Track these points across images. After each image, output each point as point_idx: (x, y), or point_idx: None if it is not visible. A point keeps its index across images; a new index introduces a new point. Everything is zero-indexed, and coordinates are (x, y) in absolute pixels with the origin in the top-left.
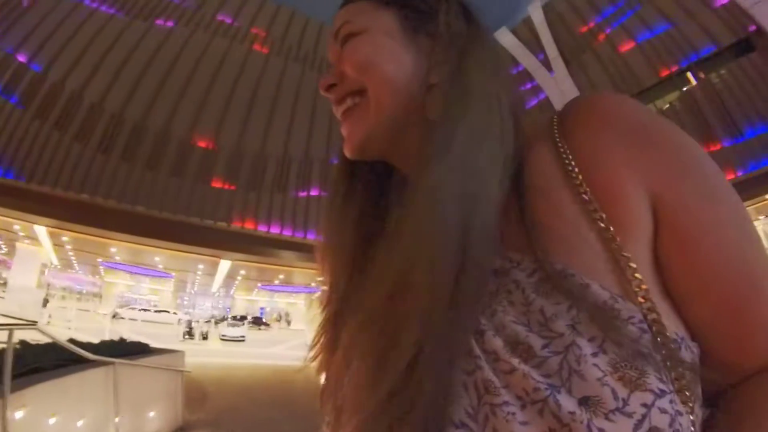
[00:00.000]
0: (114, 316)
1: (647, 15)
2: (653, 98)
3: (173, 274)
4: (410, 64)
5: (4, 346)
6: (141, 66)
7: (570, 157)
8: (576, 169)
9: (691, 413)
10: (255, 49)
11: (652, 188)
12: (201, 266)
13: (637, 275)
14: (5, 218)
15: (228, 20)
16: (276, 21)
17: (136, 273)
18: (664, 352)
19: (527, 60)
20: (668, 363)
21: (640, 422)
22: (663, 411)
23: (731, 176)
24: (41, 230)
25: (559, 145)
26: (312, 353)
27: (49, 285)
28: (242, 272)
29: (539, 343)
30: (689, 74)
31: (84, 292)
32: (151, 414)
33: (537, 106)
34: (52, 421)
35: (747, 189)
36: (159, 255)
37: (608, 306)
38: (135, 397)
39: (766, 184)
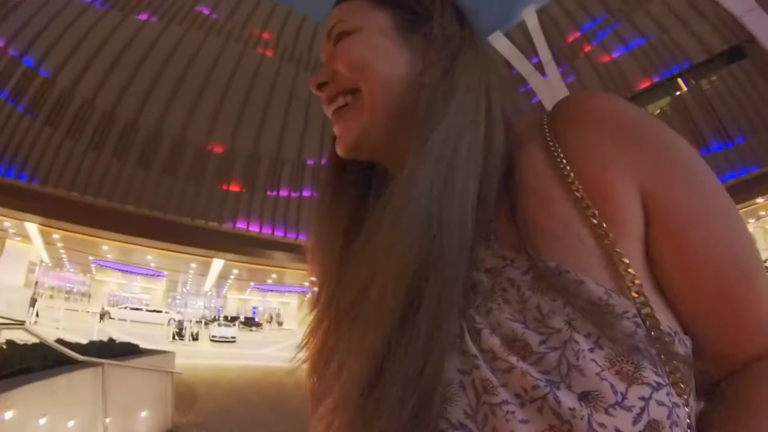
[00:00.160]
0: (103, 316)
1: (640, 21)
2: (644, 103)
3: (165, 273)
4: (404, 64)
5: None
6: (134, 63)
7: (561, 155)
8: (567, 167)
9: (686, 405)
10: (249, 48)
11: (643, 184)
12: (193, 266)
13: (630, 270)
14: None
15: (219, 17)
16: (271, 20)
17: (127, 272)
18: (658, 345)
19: (521, 64)
20: (662, 356)
21: (639, 415)
22: (660, 403)
23: (721, 180)
24: (32, 228)
25: (550, 143)
26: (301, 354)
27: (37, 283)
28: (235, 272)
29: (536, 339)
30: (680, 80)
31: (73, 291)
32: (141, 416)
33: (530, 110)
34: (40, 422)
35: (736, 193)
36: (151, 254)
37: (603, 301)
38: (124, 399)
39: (755, 189)
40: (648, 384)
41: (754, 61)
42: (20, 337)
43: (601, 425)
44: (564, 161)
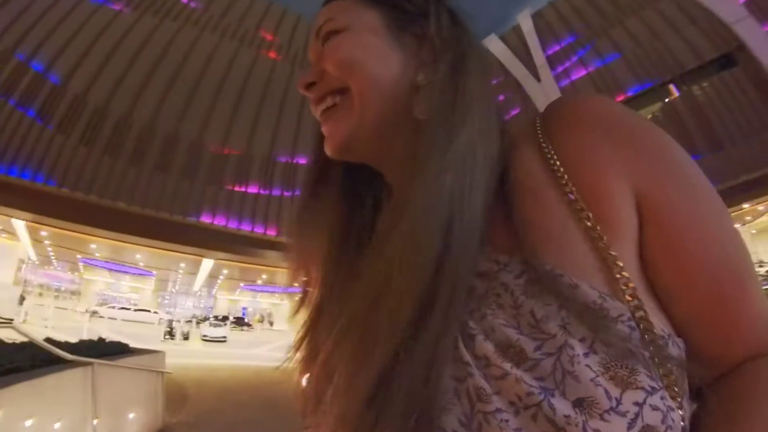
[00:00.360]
0: (93, 315)
1: (633, 27)
2: (636, 108)
3: (154, 272)
4: (396, 64)
5: None
6: (127, 58)
7: (555, 157)
8: (561, 169)
9: (680, 408)
10: (244, 46)
11: (637, 187)
12: (183, 265)
13: (624, 273)
14: None
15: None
16: (265, 18)
17: (116, 270)
18: (652, 349)
19: (515, 67)
20: (656, 360)
21: (633, 421)
22: (655, 408)
23: None
24: (20, 224)
25: (543, 145)
26: (292, 354)
27: (25, 281)
28: (225, 272)
29: (531, 345)
30: (672, 86)
31: (62, 289)
32: (131, 416)
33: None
34: (28, 423)
35: (726, 198)
36: (140, 252)
37: (597, 305)
38: (114, 399)
39: (744, 193)
40: (642, 388)
41: (745, 69)
42: (8, 335)
43: (596, 431)
44: (558, 163)
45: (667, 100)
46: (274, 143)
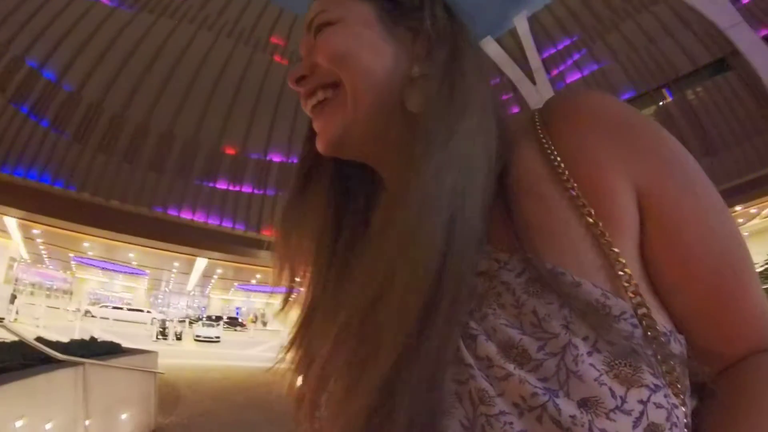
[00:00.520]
0: (85, 314)
1: (628, 31)
2: None
3: (147, 271)
4: (390, 57)
5: None
6: (122, 56)
7: (555, 153)
8: (562, 165)
9: (683, 405)
10: (240, 45)
11: (638, 183)
12: (176, 264)
13: (626, 270)
14: None
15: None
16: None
17: (109, 269)
18: (654, 346)
19: (511, 70)
20: (659, 357)
21: (638, 419)
22: (659, 406)
23: None
24: (11, 222)
25: (544, 141)
26: (283, 356)
27: (17, 280)
28: (219, 271)
29: (534, 345)
30: (665, 90)
31: (54, 288)
32: (123, 417)
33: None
34: (19, 423)
35: None
36: (133, 251)
37: (600, 303)
38: (106, 399)
39: (737, 196)
40: (646, 386)
41: (738, 74)
42: None
43: (603, 431)
44: (558, 159)
45: (661, 103)
46: (269, 143)
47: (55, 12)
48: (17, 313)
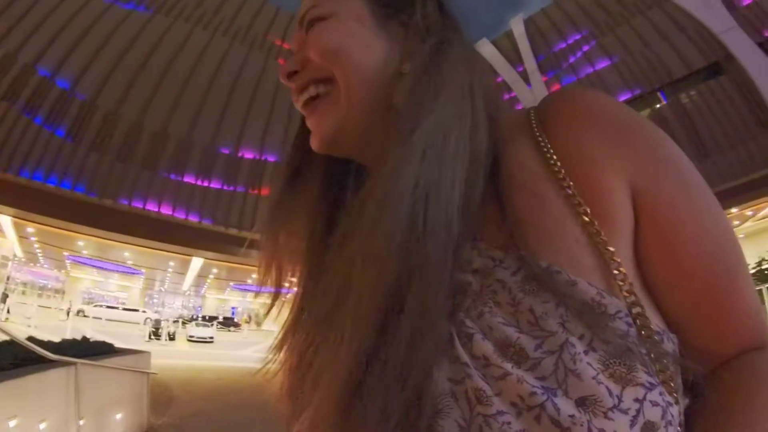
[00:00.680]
0: (77, 314)
1: (624, 35)
2: None
3: (143, 270)
4: (382, 52)
5: None
6: (116, 53)
7: (551, 150)
8: (558, 163)
9: (677, 403)
10: (235, 44)
11: (633, 181)
12: (172, 264)
13: (621, 269)
14: None
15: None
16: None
17: (103, 269)
18: (648, 345)
19: (506, 72)
20: (653, 356)
21: (635, 418)
22: (654, 404)
23: None
24: (6, 220)
25: (539, 139)
26: (272, 357)
27: (8, 279)
28: (214, 271)
29: (532, 344)
30: (660, 94)
31: (48, 287)
32: (115, 417)
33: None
34: (12, 423)
35: None
36: (128, 250)
37: (596, 302)
38: (98, 400)
39: (732, 198)
40: (641, 385)
41: (732, 78)
42: None
43: (601, 431)
44: (554, 157)
45: (657, 106)
46: (263, 144)
47: (49, 9)
48: (8, 312)
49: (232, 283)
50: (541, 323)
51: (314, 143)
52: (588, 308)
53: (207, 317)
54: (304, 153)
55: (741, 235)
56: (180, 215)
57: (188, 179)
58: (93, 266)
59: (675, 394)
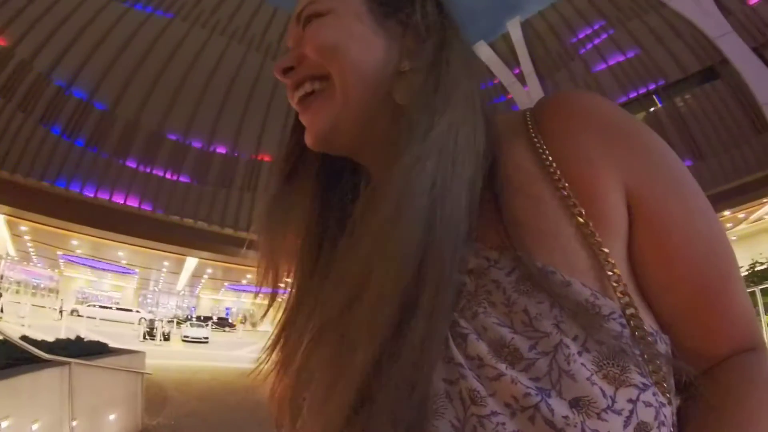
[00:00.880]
0: (71, 313)
1: (620, 39)
2: None
3: (137, 270)
4: (380, 50)
5: None
6: (113, 51)
7: (547, 152)
8: (554, 164)
9: (670, 404)
10: (234, 41)
11: (628, 183)
12: (166, 263)
13: (615, 270)
14: None
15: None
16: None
17: (97, 268)
18: (642, 346)
19: (503, 74)
20: (645, 356)
21: (628, 418)
22: (648, 404)
23: None
24: None
25: (535, 140)
26: (265, 358)
27: (2, 277)
28: (209, 271)
29: (526, 344)
30: (655, 97)
31: (41, 286)
32: (109, 418)
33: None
34: (4, 424)
35: None
36: (122, 250)
37: (590, 303)
38: (92, 400)
39: (725, 201)
40: (635, 386)
41: (727, 82)
42: None
43: (595, 431)
44: (550, 158)
45: (652, 109)
46: (259, 143)
47: (47, 5)
48: (2, 311)
49: (226, 284)
50: (535, 324)
51: (309, 140)
52: (582, 309)
53: (201, 317)
54: (299, 150)
55: (734, 238)
56: (175, 215)
57: (184, 179)
58: (87, 265)
59: (668, 395)
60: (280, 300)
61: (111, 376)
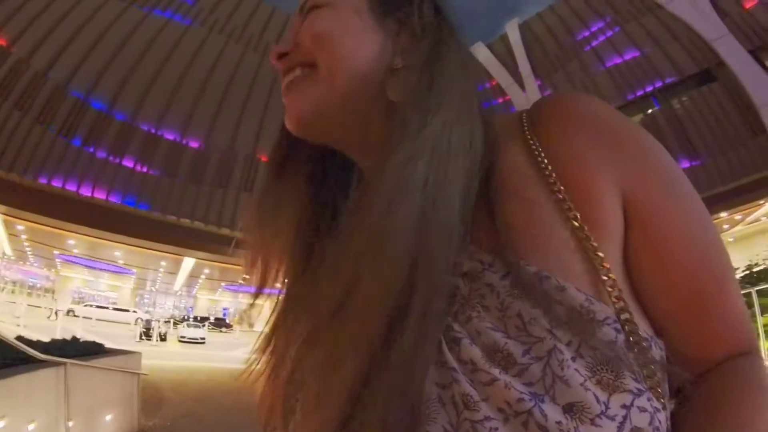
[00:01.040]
0: (67, 313)
1: (618, 41)
2: None
3: (134, 270)
4: (375, 46)
5: None
6: (111, 50)
7: (542, 155)
8: (549, 167)
9: (664, 409)
10: (232, 41)
11: (624, 188)
12: (163, 263)
13: (611, 275)
14: None
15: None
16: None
17: (94, 268)
18: (636, 351)
19: (501, 75)
20: (640, 362)
21: (622, 424)
22: (642, 410)
23: None
24: None
25: (531, 142)
26: (256, 358)
27: None
28: (206, 271)
29: (519, 349)
30: (652, 99)
31: (38, 286)
32: (105, 418)
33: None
34: (0, 424)
35: None
36: (119, 250)
37: (584, 308)
38: (88, 401)
39: (722, 203)
40: (629, 391)
41: (723, 85)
42: None
43: None
44: (545, 161)
45: (649, 111)
46: (257, 143)
47: (45, 3)
48: None
49: (223, 284)
50: (529, 329)
51: (289, 123)
52: (576, 314)
53: (198, 318)
54: (287, 143)
55: (731, 239)
56: (172, 214)
57: (180, 179)
58: (83, 265)
59: (662, 400)
60: (264, 301)
61: (107, 376)
